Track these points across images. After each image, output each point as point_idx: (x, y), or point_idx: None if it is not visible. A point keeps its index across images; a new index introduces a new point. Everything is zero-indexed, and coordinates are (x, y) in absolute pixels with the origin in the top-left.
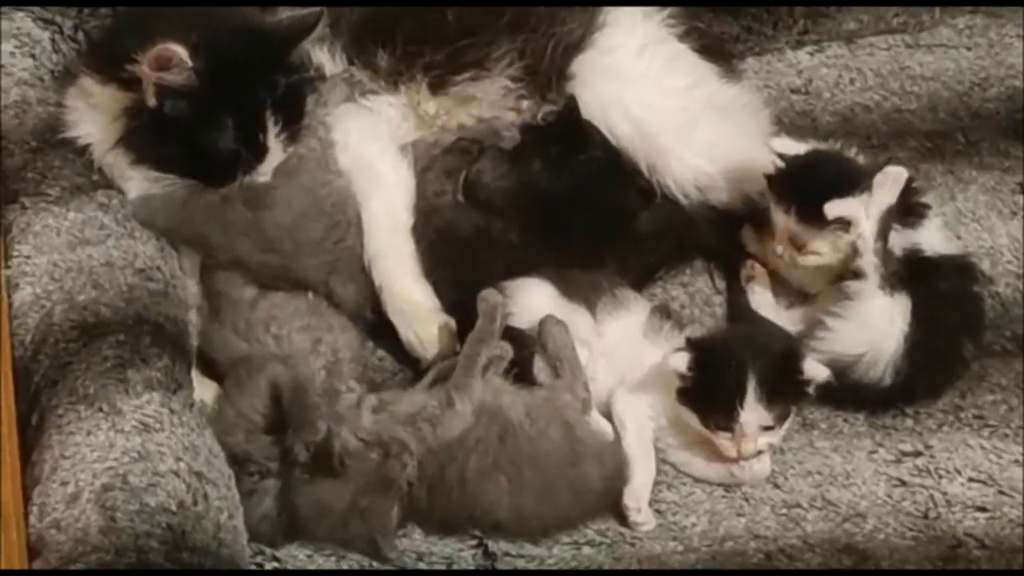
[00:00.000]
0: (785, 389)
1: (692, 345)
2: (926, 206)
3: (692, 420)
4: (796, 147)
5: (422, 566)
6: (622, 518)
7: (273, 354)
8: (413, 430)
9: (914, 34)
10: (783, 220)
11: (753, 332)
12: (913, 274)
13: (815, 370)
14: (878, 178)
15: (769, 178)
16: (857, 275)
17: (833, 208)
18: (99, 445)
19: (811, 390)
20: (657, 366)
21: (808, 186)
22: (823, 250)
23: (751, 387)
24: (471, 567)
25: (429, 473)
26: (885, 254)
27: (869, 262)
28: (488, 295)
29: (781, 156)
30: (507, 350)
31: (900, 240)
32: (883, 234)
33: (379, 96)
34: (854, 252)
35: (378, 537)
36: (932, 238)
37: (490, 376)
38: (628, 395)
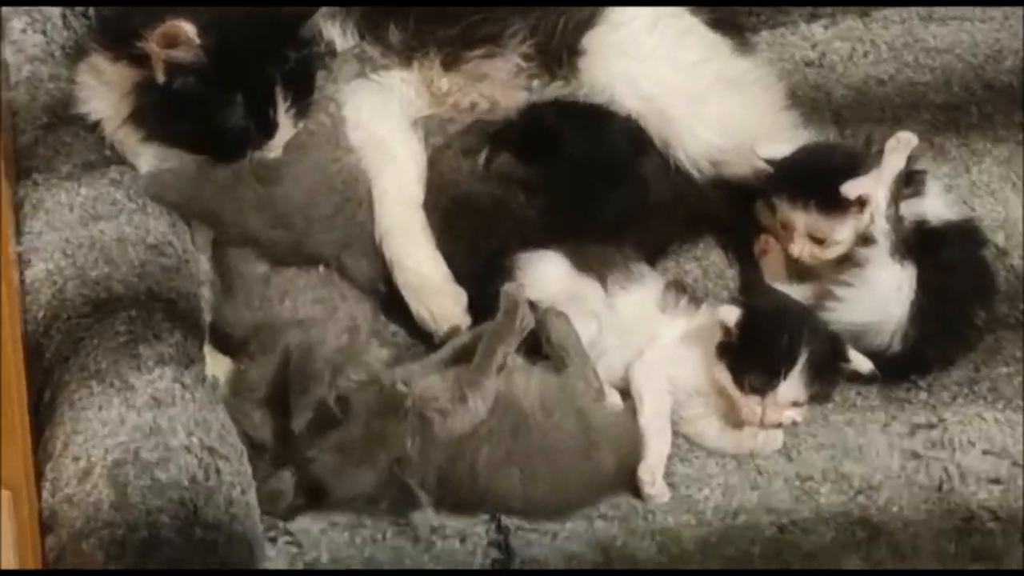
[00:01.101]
0: (826, 372)
1: (747, 306)
2: (922, 172)
3: (724, 377)
4: (781, 148)
5: (435, 539)
6: (636, 492)
7: (288, 320)
8: (422, 417)
9: (928, 6)
10: (801, 217)
11: (807, 310)
12: (919, 244)
13: (860, 361)
14: (890, 143)
15: (769, 184)
16: (867, 241)
17: (851, 188)
18: (111, 420)
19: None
20: (682, 335)
21: (818, 177)
22: (844, 236)
23: (801, 361)
24: (484, 540)
25: (437, 464)
26: (896, 220)
27: (880, 227)
28: (511, 290)
29: (770, 161)
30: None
31: (909, 211)
32: (895, 199)
33: (391, 72)
34: (869, 221)
35: (398, 467)
36: (934, 205)
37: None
38: (646, 367)
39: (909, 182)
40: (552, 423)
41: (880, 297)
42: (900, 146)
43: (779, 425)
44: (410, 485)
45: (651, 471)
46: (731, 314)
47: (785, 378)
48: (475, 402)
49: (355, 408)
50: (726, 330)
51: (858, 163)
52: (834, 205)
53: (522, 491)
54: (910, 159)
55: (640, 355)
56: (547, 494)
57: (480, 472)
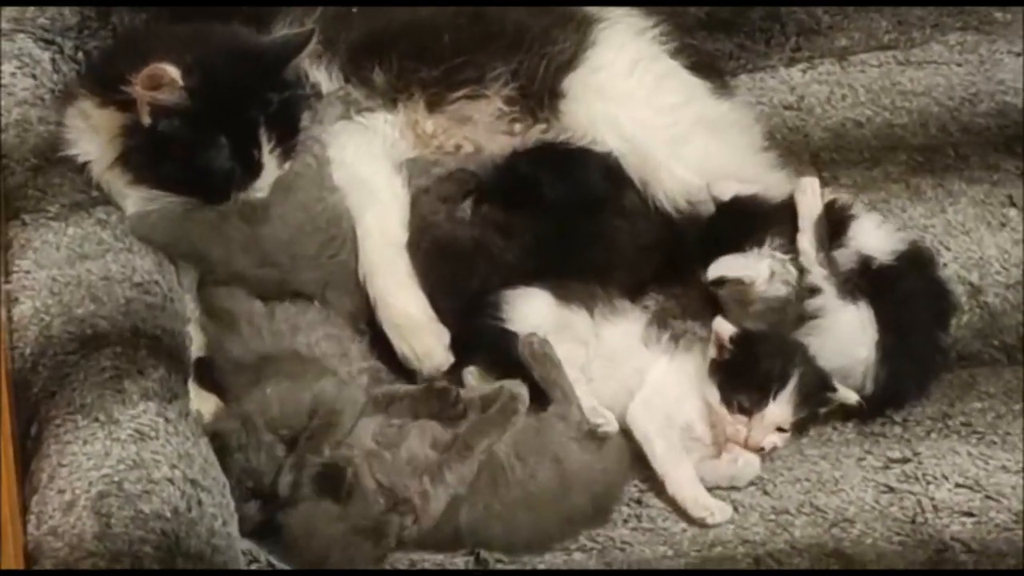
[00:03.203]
0: (813, 401)
1: (742, 327)
2: (846, 209)
3: (713, 396)
4: (728, 189)
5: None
6: (611, 527)
7: (307, 356)
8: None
9: (905, 51)
10: (721, 325)
11: (801, 341)
12: (872, 285)
13: (847, 394)
14: (796, 193)
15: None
16: (813, 292)
17: (712, 270)
18: (95, 454)
19: (822, 413)
20: (666, 372)
21: (707, 245)
22: (756, 297)
23: (791, 384)
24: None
25: (417, 535)
26: (830, 262)
27: (818, 275)
28: (514, 387)
29: (715, 202)
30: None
31: (846, 257)
32: (821, 243)
33: (375, 113)
34: (801, 272)
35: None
36: (873, 239)
37: None
38: (644, 409)
39: (839, 229)
40: (528, 472)
41: (845, 341)
42: (808, 191)
43: (761, 449)
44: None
45: (699, 505)
46: (725, 328)
47: (775, 399)
48: (453, 483)
49: (352, 509)
50: (719, 348)
51: (745, 237)
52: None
53: (502, 536)
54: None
55: (630, 395)
56: (526, 536)
57: (462, 528)
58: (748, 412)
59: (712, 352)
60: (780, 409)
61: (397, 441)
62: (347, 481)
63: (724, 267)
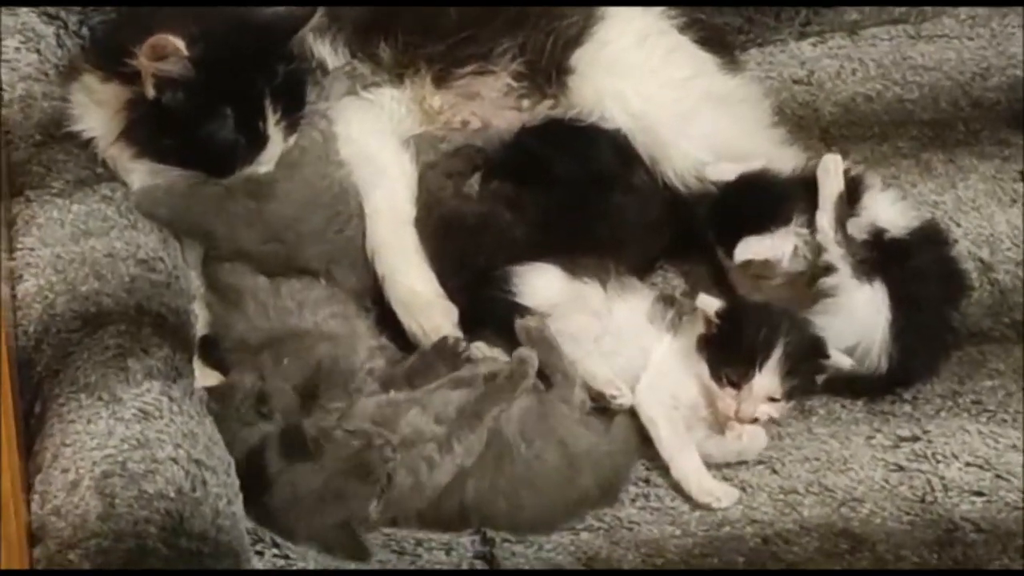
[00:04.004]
0: (804, 369)
1: (729, 300)
2: (860, 181)
3: (703, 371)
4: (729, 170)
5: (420, 551)
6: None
7: (315, 332)
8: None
9: (916, 24)
10: (706, 301)
11: (790, 310)
12: (884, 258)
13: (840, 358)
14: (819, 171)
15: (705, 214)
16: (828, 270)
17: (740, 252)
18: (99, 433)
19: (820, 380)
20: (671, 351)
21: (731, 225)
22: (778, 273)
23: (776, 354)
24: (469, 552)
25: (418, 508)
26: (848, 241)
27: (835, 254)
28: (523, 353)
29: (716, 183)
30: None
31: (859, 227)
32: (840, 222)
33: (382, 89)
34: (818, 249)
35: (355, 522)
36: (888, 213)
37: None
38: (650, 392)
39: (854, 198)
40: (533, 453)
41: (859, 321)
42: (831, 170)
43: (755, 420)
44: (362, 542)
45: (703, 491)
46: (710, 303)
47: (760, 370)
48: (461, 453)
49: (326, 458)
50: (707, 322)
51: (771, 217)
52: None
53: (507, 515)
54: (847, 172)
55: (636, 373)
56: (532, 517)
57: (468, 505)
58: (736, 385)
59: (700, 327)
60: (767, 379)
61: (394, 419)
62: (308, 437)
63: (753, 249)
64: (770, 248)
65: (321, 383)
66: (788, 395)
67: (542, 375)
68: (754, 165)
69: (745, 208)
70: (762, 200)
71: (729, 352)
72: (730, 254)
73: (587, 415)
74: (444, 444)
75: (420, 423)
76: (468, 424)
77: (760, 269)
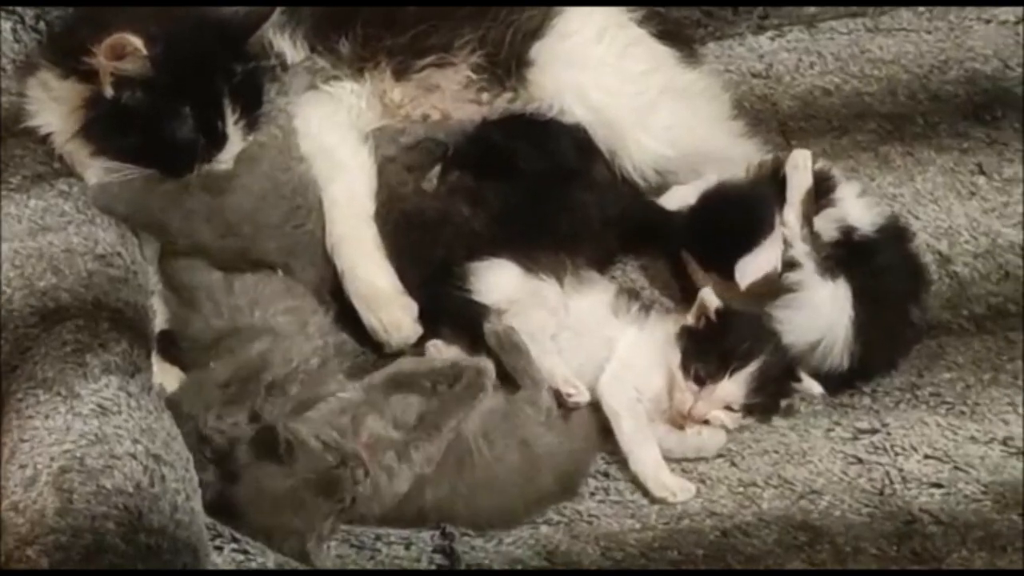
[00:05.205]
0: (772, 388)
1: (725, 302)
2: (829, 178)
3: (674, 360)
4: (686, 195)
5: (380, 545)
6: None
7: (260, 328)
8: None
9: (874, 17)
10: (709, 279)
11: (784, 331)
12: (850, 256)
13: (810, 385)
14: (788, 166)
15: (678, 237)
16: (792, 266)
17: (744, 274)
18: (57, 428)
19: (784, 404)
20: (636, 343)
21: (718, 246)
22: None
23: (752, 367)
24: (429, 547)
25: (379, 514)
26: (814, 238)
27: (800, 250)
28: (479, 364)
29: (677, 213)
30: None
31: (828, 224)
32: (807, 219)
33: (342, 83)
34: (785, 246)
35: (307, 535)
36: (856, 209)
37: None
38: (614, 384)
39: (821, 193)
40: (495, 455)
41: (822, 316)
42: (800, 165)
43: (706, 422)
44: (308, 554)
45: (660, 485)
46: (712, 301)
47: (731, 376)
48: (420, 462)
49: (298, 466)
50: (698, 316)
51: (758, 228)
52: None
53: (467, 516)
54: (820, 172)
55: (599, 366)
56: (491, 516)
57: (427, 509)
58: (701, 381)
59: (689, 319)
60: (733, 387)
61: (355, 426)
62: (281, 441)
63: (753, 270)
64: (767, 261)
65: (251, 381)
66: (748, 409)
67: (509, 378)
68: (709, 180)
69: (726, 230)
70: (740, 217)
71: (708, 350)
72: (722, 275)
73: (552, 419)
74: (403, 453)
75: (379, 429)
76: (427, 434)
77: (762, 282)
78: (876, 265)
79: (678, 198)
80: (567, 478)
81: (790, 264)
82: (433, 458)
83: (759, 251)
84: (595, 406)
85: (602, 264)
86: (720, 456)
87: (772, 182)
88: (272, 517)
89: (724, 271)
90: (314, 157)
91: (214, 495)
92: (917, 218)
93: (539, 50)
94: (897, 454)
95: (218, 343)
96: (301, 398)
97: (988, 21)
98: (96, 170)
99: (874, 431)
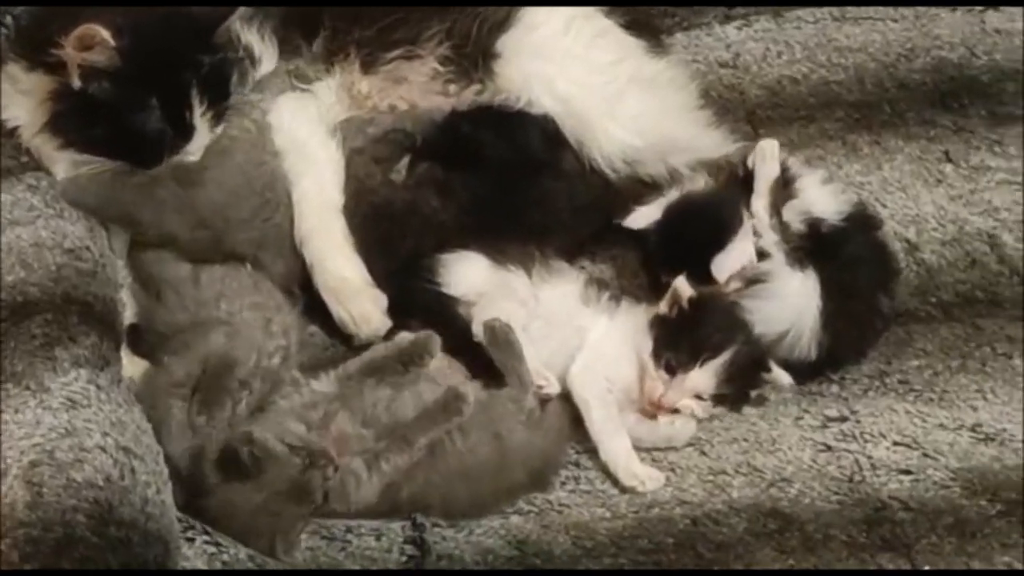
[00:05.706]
0: (741, 379)
1: (700, 292)
2: (788, 169)
3: (645, 348)
4: (650, 214)
5: (351, 536)
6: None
7: (221, 321)
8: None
9: (841, 6)
10: (683, 286)
11: (752, 320)
12: (819, 247)
13: (780, 376)
14: (755, 157)
15: (648, 252)
16: (762, 256)
17: (721, 270)
18: (26, 422)
19: (754, 395)
20: (607, 333)
21: (690, 253)
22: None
23: (723, 357)
24: (400, 537)
25: (352, 511)
26: (783, 228)
27: (770, 239)
28: (462, 390)
29: (644, 232)
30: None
31: (794, 214)
32: (775, 209)
33: (311, 77)
34: (755, 236)
35: (279, 536)
36: (821, 198)
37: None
38: (584, 374)
39: (787, 182)
40: (467, 446)
41: (791, 307)
42: (767, 155)
43: (675, 411)
44: (276, 541)
45: (630, 474)
46: (685, 290)
47: (701, 366)
48: (389, 472)
49: (267, 478)
50: (671, 304)
51: (727, 226)
52: (711, 277)
53: (440, 507)
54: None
55: (570, 356)
56: (464, 506)
57: (402, 503)
58: (672, 371)
59: (662, 308)
60: (703, 377)
61: (322, 424)
62: (245, 457)
63: (728, 265)
64: (742, 253)
65: (207, 375)
66: (718, 399)
67: (496, 373)
68: (671, 196)
69: (696, 237)
70: (707, 221)
71: (680, 339)
72: (700, 281)
73: (532, 419)
74: (372, 463)
75: (347, 427)
76: (397, 448)
77: (739, 275)
78: (845, 255)
79: (643, 217)
80: (538, 474)
81: (759, 254)
82: (402, 468)
83: (732, 246)
84: (566, 396)
85: (571, 254)
86: (690, 445)
87: (735, 182)
88: (245, 527)
89: (701, 276)
90: (285, 151)
91: (184, 503)
92: (884, 206)
93: (506, 42)
94: (866, 441)
95: (176, 338)
96: (260, 396)
97: (954, 9)
98: (64, 163)
99: (843, 419)
